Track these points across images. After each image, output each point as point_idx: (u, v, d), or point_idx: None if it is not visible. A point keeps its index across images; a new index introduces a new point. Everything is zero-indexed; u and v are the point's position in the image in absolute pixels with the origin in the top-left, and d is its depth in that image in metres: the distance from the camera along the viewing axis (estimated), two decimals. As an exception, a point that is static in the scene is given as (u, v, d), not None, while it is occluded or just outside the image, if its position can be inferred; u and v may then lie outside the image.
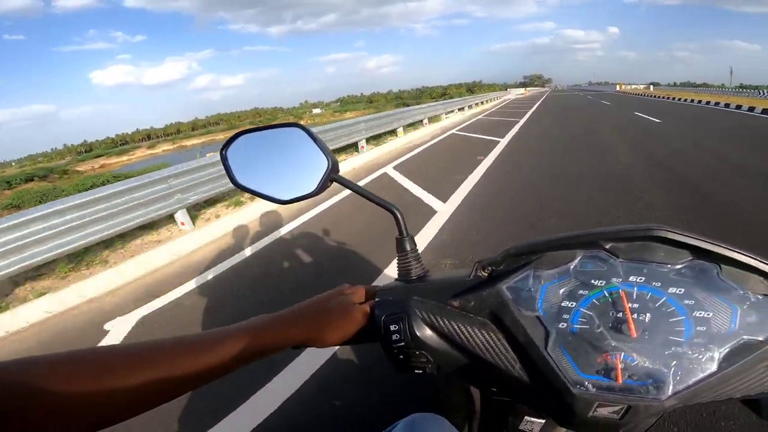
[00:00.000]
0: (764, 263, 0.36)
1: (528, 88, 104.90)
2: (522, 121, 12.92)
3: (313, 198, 0.51)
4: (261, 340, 0.40)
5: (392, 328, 0.43)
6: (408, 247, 0.49)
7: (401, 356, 0.44)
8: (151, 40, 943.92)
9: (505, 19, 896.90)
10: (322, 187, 0.49)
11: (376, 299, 0.46)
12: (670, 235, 0.37)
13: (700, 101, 17.74)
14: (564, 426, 0.43)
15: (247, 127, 0.54)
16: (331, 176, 0.49)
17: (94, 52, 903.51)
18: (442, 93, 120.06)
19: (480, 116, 15.94)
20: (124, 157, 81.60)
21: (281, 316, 0.42)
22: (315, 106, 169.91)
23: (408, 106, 13.99)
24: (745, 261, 0.36)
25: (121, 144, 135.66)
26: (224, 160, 0.52)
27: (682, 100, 20.76)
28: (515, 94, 52.66)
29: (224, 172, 0.52)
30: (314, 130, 0.89)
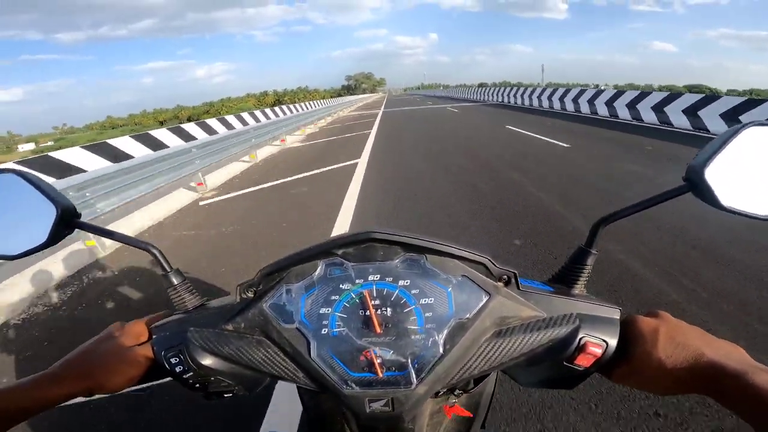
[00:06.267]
0: (453, 248, 0.42)
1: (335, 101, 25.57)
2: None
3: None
4: (28, 399, 0.38)
5: (173, 360, 0.44)
6: (176, 281, 0.49)
7: (197, 385, 0.46)
8: None
9: (344, 26, 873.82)
10: (55, 236, 0.45)
11: (153, 336, 0.46)
12: (382, 236, 0.42)
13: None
14: (364, 423, 0.45)
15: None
16: (72, 222, 0.46)
17: None
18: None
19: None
20: None
21: (49, 373, 0.41)
22: (106, 125, 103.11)
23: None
24: (439, 249, 0.42)
25: None
26: None
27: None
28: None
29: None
30: None
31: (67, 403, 0.40)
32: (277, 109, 13.85)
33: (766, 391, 0.30)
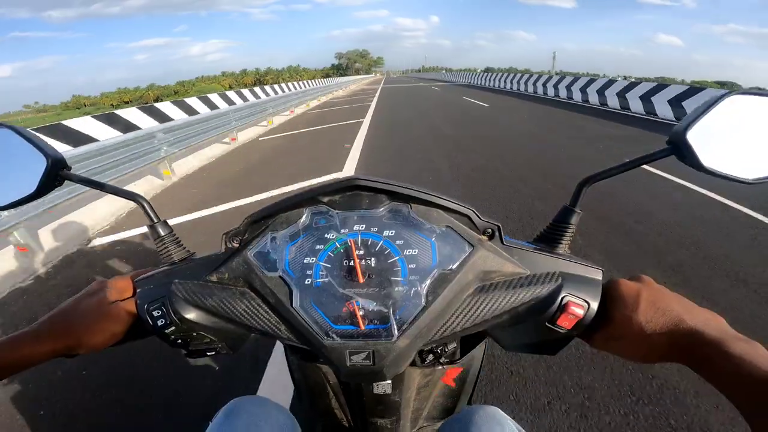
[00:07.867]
0: (438, 197, 0.41)
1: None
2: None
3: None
4: (6, 358, 0.37)
5: (155, 314, 0.42)
6: (163, 232, 0.47)
7: (179, 341, 0.44)
8: None
9: (344, 5, 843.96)
10: (44, 187, 0.45)
11: (137, 289, 0.44)
12: (367, 183, 0.41)
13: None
14: (344, 380, 0.44)
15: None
16: (60, 174, 0.45)
17: None
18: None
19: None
20: None
21: (30, 331, 0.40)
22: (70, 105, 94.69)
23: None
24: (424, 198, 0.41)
25: None
26: None
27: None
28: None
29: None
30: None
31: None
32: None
33: (743, 360, 0.29)
